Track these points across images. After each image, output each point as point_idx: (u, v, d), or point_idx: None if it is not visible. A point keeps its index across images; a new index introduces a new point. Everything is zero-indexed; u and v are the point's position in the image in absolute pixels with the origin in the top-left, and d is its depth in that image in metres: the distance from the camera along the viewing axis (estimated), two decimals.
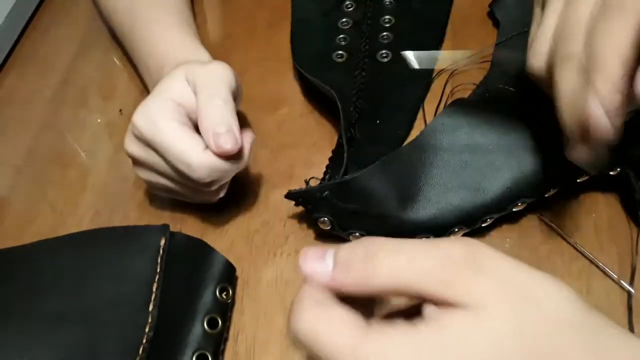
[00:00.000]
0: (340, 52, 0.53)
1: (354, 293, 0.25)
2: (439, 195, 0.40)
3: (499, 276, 0.23)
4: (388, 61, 0.51)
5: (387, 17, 0.54)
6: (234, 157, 0.39)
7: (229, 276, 0.41)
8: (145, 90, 0.54)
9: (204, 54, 0.48)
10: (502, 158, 0.40)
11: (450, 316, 0.23)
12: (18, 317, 0.37)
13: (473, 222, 0.40)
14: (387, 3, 0.55)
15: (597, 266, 0.41)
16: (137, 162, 0.42)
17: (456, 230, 0.39)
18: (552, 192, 0.40)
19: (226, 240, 0.45)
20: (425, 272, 0.23)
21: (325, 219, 0.40)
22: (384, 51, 0.52)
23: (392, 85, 0.48)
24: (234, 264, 0.42)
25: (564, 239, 0.42)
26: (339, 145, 0.42)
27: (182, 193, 0.43)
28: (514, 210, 0.40)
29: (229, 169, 0.40)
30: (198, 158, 0.38)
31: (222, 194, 0.43)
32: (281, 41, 0.58)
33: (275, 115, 0.52)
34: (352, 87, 0.49)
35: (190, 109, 0.40)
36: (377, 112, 0.47)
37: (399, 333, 0.23)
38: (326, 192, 0.39)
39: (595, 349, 0.22)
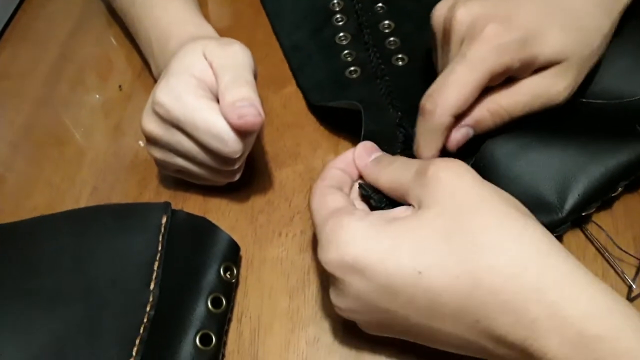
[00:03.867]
0: (352, 67, 0.50)
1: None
2: None
3: (457, 186, 0.30)
4: (405, 64, 0.49)
5: (386, 22, 0.52)
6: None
7: (234, 255, 0.40)
8: (145, 66, 0.53)
9: (208, 28, 0.47)
10: (565, 171, 0.38)
11: (405, 214, 0.32)
12: (15, 295, 0.35)
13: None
14: (379, 9, 0.53)
15: (603, 256, 0.40)
16: (154, 141, 0.41)
17: None
18: (619, 190, 0.39)
19: (229, 219, 0.44)
20: (412, 176, 0.32)
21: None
22: (397, 56, 0.50)
23: (423, 85, 0.45)
24: (237, 243, 0.40)
25: (579, 227, 0.41)
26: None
27: (197, 174, 0.42)
28: (583, 214, 0.39)
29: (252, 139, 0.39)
30: (233, 133, 0.37)
31: (239, 175, 0.42)
32: None
33: (281, 94, 0.51)
34: (380, 93, 0.47)
35: (211, 85, 0.39)
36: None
37: (360, 213, 0.32)
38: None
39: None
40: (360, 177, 0.38)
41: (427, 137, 0.38)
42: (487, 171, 0.39)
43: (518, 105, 0.38)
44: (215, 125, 0.37)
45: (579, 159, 0.38)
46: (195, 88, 0.38)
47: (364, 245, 0.30)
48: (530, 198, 0.37)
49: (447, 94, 0.37)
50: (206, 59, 0.40)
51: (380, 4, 0.53)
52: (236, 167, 0.40)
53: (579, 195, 0.38)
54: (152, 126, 0.40)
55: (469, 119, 0.39)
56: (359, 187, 0.37)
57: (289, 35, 0.54)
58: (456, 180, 0.31)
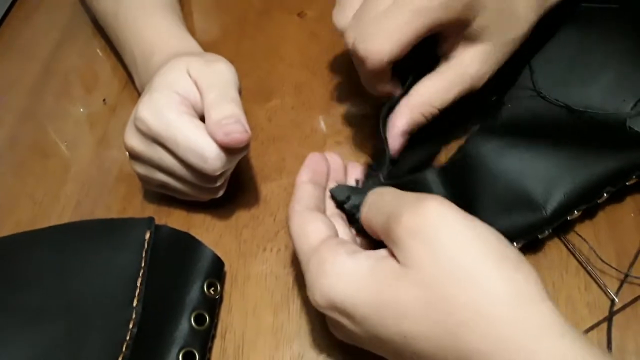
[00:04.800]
0: None
1: None
2: (495, 214, 0.38)
3: (437, 252, 0.28)
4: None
5: None
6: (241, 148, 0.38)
7: (217, 271, 0.40)
8: (129, 79, 0.52)
9: (192, 42, 0.47)
10: (551, 170, 0.39)
11: (387, 264, 0.29)
12: None
13: (530, 235, 0.38)
14: None
15: (586, 269, 0.40)
16: (136, 156, 0.41)
17: (514, 244, 0.38)
18: (605, 196, 0.39)
19: (213, 234, 0.44)
20: (384, 220, 0.31)
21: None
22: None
23: None
24: (221, 259, 0.40)
25: (560, 239, 0.41)
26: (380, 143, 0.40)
27: (180, 190, 0.42)
28: (569, 219, 0.39)
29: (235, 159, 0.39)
30: (213, 150, 0.37)
31: (222, 192, 0.42)
32: (272, 30, 0.57)
33: (266, 107, 0.51)
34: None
35: (194, 103, 0.39)
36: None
37: (343, 255, 0.31)
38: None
39: None
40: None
41: (365, 81, 0.39)
42: (474, 166, 0.39)
43: (447, 99, 0.39)
44: (196, 143, 0.37)
45: (566, 162, 0.39)
46: (178, 105, 0.38)
47: (348, 295, 0.29)
48: (516, 195, 0.38)
49: (384, 40, 0.35)
50: (190, 76, 0.39)
51: None
52: (218, 184, 0.40)
53: (564, 195, 0.38)
54: (134, 142, 0.40)
55: (405, 125, 0.39)
56: (332, 198, 0.37)
57: None
58: (434, 244, 0.28)
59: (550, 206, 0.38)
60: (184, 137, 0.37)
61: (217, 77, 0.39)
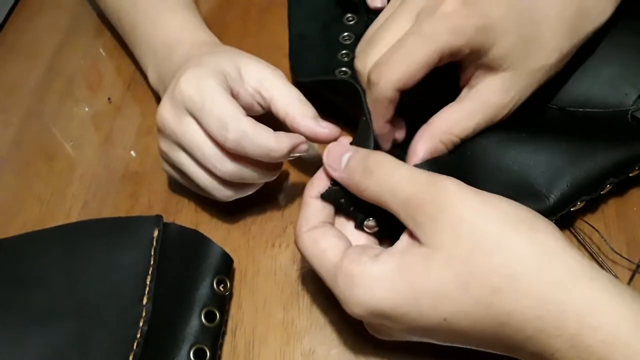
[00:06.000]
0: (343, 68, 0.49)
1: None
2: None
3: (458, 227, 0.29)
4: None
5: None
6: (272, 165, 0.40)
7: (227, 268, 0.40)
8: (134, 77, 0.52)
9: (214, 37, 0.47)
10: (552, 159, 0.38)
11: (412, 252, 0.30)
12: (7, 311, 0.35)
13: None
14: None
15: (597, 260, 0.40)
16: (162, 128, 0.40)
17: None
18: (608, 187, 0.39)
19: (222, 231, 0.44)
20: (400, 204, 0.31)
21: (372, 219, 0.35)
22: None
23: (410, 98, 0.44)
24: (230, 255, 0.40)
25: (570, 231, 0.41)
26: (362, 132, 0.39)
27: (194, 175, 0.40)
28: (572, 210, 0.39)
29: (259, 150, 0.37)
30: (238, 119, 0.37)
31: (232, 197, 0.41)
32: (275, 27, 0.56)
33: None
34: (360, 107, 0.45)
35: (234, 92, 0.40)
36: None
37: (368, 263, 0.31)
38: None
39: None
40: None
41: (373, 108, 0.37)
42: (474, 160, 0.39)
43: (468, 130, 0.38)
44: (222, 109, 0.37)
45: (568, 153, 0.38)
46: (220, 80, 0.39)
47: (385, 298, 0.30)
48: (518, 186, 0.38)
49: (394, 67, 0.35)
50: (243, 70, 0.40)
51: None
52: (231, 176, 0.39)
53: (567, 184, 0.38)
54: (166, 112, 0.39)
55: (425, 153, 0.37)
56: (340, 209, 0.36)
57: (299, 23, 0.54)
58: (455, 221, 0.29)
59: (554, 195, 0.37)
60: (212, 100, 0.37)
61: (285, 80, 0.41)
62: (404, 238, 0.31)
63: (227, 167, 0.38)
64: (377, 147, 0.37)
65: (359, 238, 0.35)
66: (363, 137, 0.37)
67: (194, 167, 0.40)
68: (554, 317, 0.27)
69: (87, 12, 0.60)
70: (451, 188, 0.30)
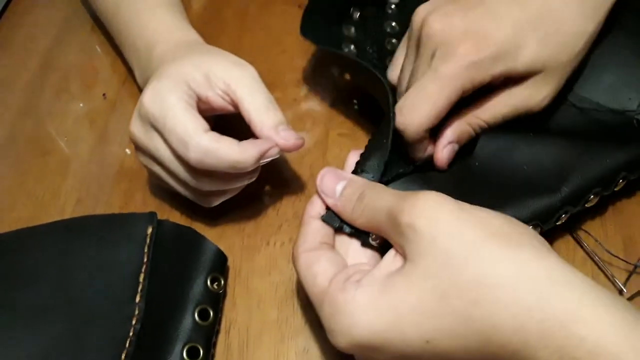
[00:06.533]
0: (351, 46, 0.49)
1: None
2: (510, 199, 0.37)
3: (435, 238, 0.28)
4: None
5: (393, 23, 0.50)
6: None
7: (221, 265, 0.39)
8: (129, 73, 0.52)
9: (195, 36, 0.46)
10: (565, 154, 0.38)
11: (394, 270, 0.30)
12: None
13: (548, 219, 0.37)
14: (390, 10, 0.51)
15: (593, 259, 0.40)
16: (136, 145, 0.40)
17: (530, 227, 0.35)
18: (621, 183, 0.39)
19: (216, 229, 0.43)
20: (386, 219, 0.31)
21: (374, 235, 0.35)
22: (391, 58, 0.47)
23: None
24: (224, 253, 0.40)
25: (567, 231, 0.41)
26: (374, 144, 0.38)
27: (173, 186, 0.41)
28: (586, 206, 0.38)
29: (224, 164, 0.37)
30: (197, 137, 0.36)
31: (215, 203, 0.41)
32: (273, 24, 0.56)
33: None
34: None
35: (203, 100, 0.39)
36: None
37: (351, 291, 0.30)
38: None
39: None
40: None
41: (408, 148, 0.39)
42: (488, 161, 0.39)
43: (498, 118, 0.39)
44: (183, 127, 0.37)
45: (579, 150, 0.38)
46: (182, 93, 0.38)
47: (368, 325, 0.29)
48: (530, 182, 0.38)
49: (417, 111, 0.37)
50: (213, 75, 0.39)
51: (393, 6, 0.51)
52: (206, 189, 0.39)
53: (580, 177, 0.37)
54: (135, 128, 0.40)
55: (451, 135, 0.39)
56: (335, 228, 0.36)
57: None
58: (433, 229, 0.29)
59: (567, 188, 0.37)
60: (172, 118, 0.37)
61: (253, 80, 0.40)
62: (391, 253, 0.31)
63: (199, 181, 0.39)
64: (393, 149, 0.37)
65: (361, 256, 0.35)
66: (380, 141, 0.38)
67: (171, 180, 0.40)
68: (538, 326, 0.26)
69: (83, 7, 0.60)
70: (431, 197, 0.30)
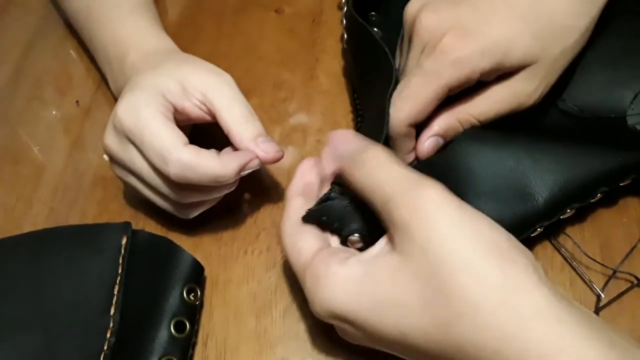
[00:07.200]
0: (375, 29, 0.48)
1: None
2: (485, 204, 0.36)
3: (429, 239, 0.27)
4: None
5: (375, 29, 0.49)
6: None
7: (197, 276, 0.39)
8: (103, 79, 0.51)
9: (168, 42, 0.46)
10: (547, 163, 0.38)
11: (381, 260, 0.29)
12: None
13: (522, 232, 0.37)
14: (372, 17, 0.50)
15: (571, 265, 0.40)
16: (112, 157, 0.40)
17: None
18: (598, 196, 0.39)
19: (193, 238, 0.43)
20: (382, 203, 0.30)
21: (356, 235, 0.35)
22: None
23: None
24: (201, 263, 0.39)
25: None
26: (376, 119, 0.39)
27: (151, 198, 0.40)
28: (561, 217, 0.38)
29: (205, 178, 0.37)
30: (177, 152, 0.36)
31: (193, 215, 0.41)
32: (250, 28, 0.56)
33: None
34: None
35: (180, 110, 0.39)
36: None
37: (335, 265, 0.30)
38: (350, 201, 0.35)
39: None
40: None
41: (393, 143, 0.38)
42: (469, 159, 0.38)
43: (489, 113, 0.38)
44: (161, 141, 0.36)
45: (562, 159, 0.38)
46: (158, 105, 0.37)
47: (346, 301, 0.29)
48: (512, 186, 0.37)
49: (400, 106, 0.37)
50: (189, 84, 0.39)
51: (373, 12, 0.50)
52: (185, 201, 0.39)
53: (559, 190, 0.37)
54: (110, 140, 0.39)
55: (438, 128, 0.38)
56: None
57: None
58: (429, 232, 0.28)
59: (544, 199, 0.37)
60: (150, 133, 0.36)
61: (231, 90, 0.39)
62: (381, 242, 0.31)
63: (178, 193, 0.38)
64: (387, 139, 0.38)
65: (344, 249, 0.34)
66: (377, 124, 0.38)
67: (148, 192, 0.40)
68: (518, 354, 0.25)
69: (56, 12, 0.59)
70: (432, 196, 0.28)
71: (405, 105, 0.37)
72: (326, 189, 0.36)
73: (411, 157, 0.40)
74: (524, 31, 0.36)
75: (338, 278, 0.30)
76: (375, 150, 0.32)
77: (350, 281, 0.30)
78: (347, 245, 0.35)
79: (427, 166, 0.39)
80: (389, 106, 0.38)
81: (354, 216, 0.34)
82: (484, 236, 0.28)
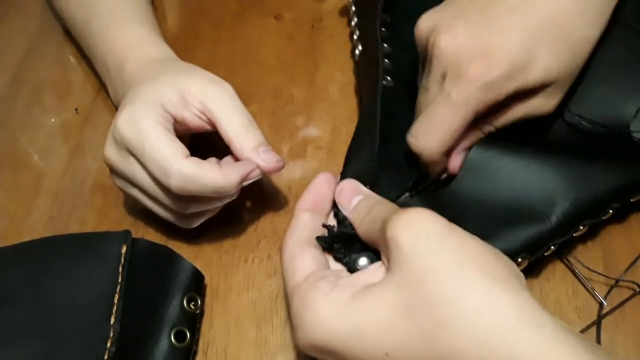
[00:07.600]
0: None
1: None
2: (501, 229, 0.36)
3: (413, 253, 0.27)
4: (388, 85, 0.45)
5: (384, 45, 0.47)
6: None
7: (197, 285, 0.39)
8: (102, 86, 0.51)
9: (167, 50, 0.46)
10: (557, 180, 0.37)
11: (371, 281, 0.29)
12: None
13: (536, 251, 0.36)
14: (383, 32, 0.48)
15: (574, 273, 0.40)
16: (112, 168, 0.40)
17: (519, 260, 0.36)
18: (610, 213, 0.38)
19: (193, 246, 0.43)
20: (379, 231, 0.30)
21: (364, 258, 0.34)
22: (384, 76, 0.45)
23: (403, 108, 0.42)
24: (201, 271, 0.39)
25: None
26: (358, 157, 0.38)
27: (153, 209, 0.40)
28: (574, 235, 0.38)
29: (206, 190, 0.37)
30: (178, 164, 0.36)
31: (196, 224, 0.41)
32: (249, 34, 0.55)
33: None
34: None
35: (178, 118, 0.39)
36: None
37: (320, 294, 0.29)
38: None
39: None
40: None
41: (426, 167, 0.39)
42: (479, 171, 0.38)
43: (508, 121, 0.38)
44: (162, 154, 0.36)
45: (572, 175, 0.37)
46: (157, 116, 0.37)
47: (330, 327, 0.28)
48: (520, 206, 0.37)
49: (431, 136, 0.36)
50: (189, 94, 0.39)
51: (384, 29, 0.48)
52: (188, 211, 0.39)
53: (570, 205, 0.37)
54: (110, 152, 0.39)
55: (466, 142, 0.38)
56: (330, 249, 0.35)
57: None
58: (414, 245, 0.28)
59: (556, 217, 0.36)
60: (151, 145, 0.36)
61: (231, 99, 0.39)
62: (376, 264, 0.31)
63: (179, 204, 0.38)
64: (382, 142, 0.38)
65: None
66: (364, 140, 0.38)
67: (150, 202, 0.40)
68: None
69: (55, 19, 0.59)
70: (418, 214, 0.29)
71: (437, 135, 0.36)
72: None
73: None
74: (542, 49, 0.36)
75: (324, 303, 0.29)
76: (376, 200, 0.34)
77: (336, 303, 0.29)
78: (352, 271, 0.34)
79: (443, 194, 0.38)
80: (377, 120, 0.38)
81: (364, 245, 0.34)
82: (467, 249, 0.28)
